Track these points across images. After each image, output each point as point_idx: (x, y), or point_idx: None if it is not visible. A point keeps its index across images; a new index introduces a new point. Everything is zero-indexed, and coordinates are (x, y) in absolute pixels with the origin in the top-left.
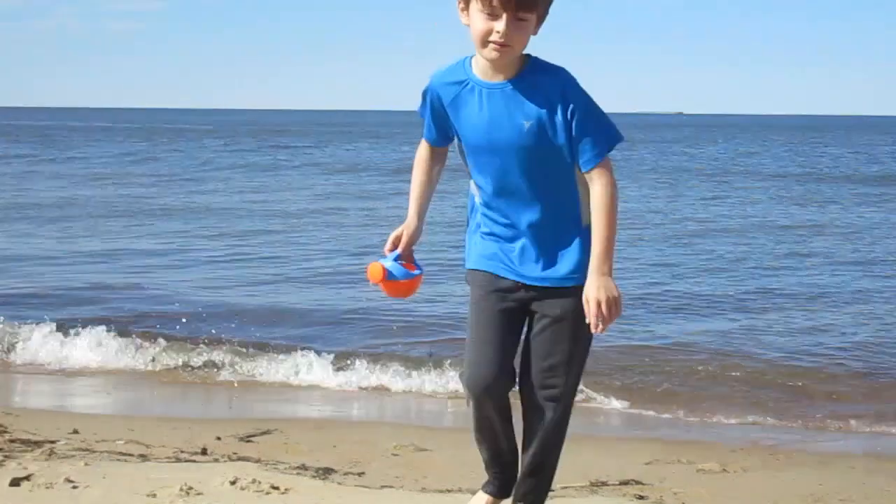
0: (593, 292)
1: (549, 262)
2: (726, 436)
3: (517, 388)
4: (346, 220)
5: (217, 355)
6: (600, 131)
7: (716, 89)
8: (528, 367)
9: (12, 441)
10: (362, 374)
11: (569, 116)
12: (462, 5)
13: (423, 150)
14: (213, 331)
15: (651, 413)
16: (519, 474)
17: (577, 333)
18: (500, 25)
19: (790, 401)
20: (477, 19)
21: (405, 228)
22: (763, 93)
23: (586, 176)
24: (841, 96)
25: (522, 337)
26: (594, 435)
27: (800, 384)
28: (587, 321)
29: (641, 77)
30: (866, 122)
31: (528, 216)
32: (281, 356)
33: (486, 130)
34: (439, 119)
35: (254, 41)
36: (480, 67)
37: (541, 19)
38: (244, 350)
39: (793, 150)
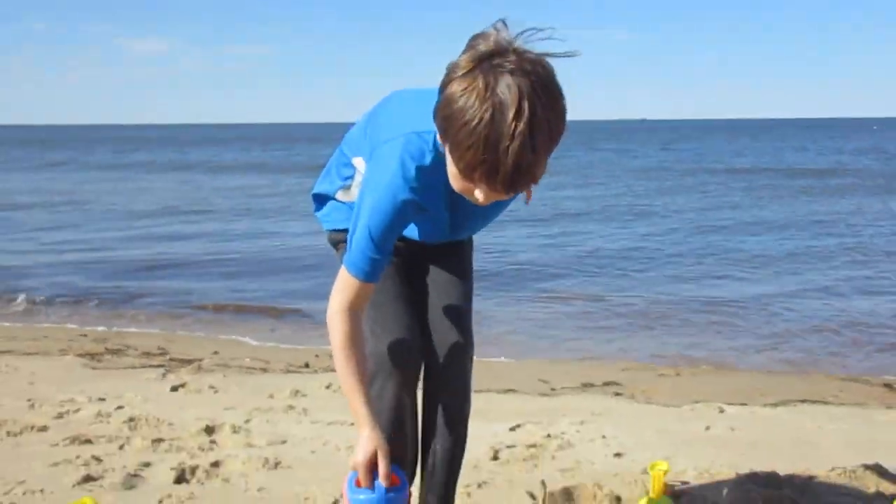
0: None
1: None
2: (683, 352)
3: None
4: None
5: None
6: None
7: (679, 96)
8: (430, 311)
9: (172, 360)
10: None
11: None
12: (441, 131)
13: (353, 314)
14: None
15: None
16: (432, 459)
17: (470, 267)
18: (480, 195)
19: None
20: (453, 173)
21: (374, 445)
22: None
23: None
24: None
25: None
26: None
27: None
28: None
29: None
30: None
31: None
32: None
33: (453, 223)
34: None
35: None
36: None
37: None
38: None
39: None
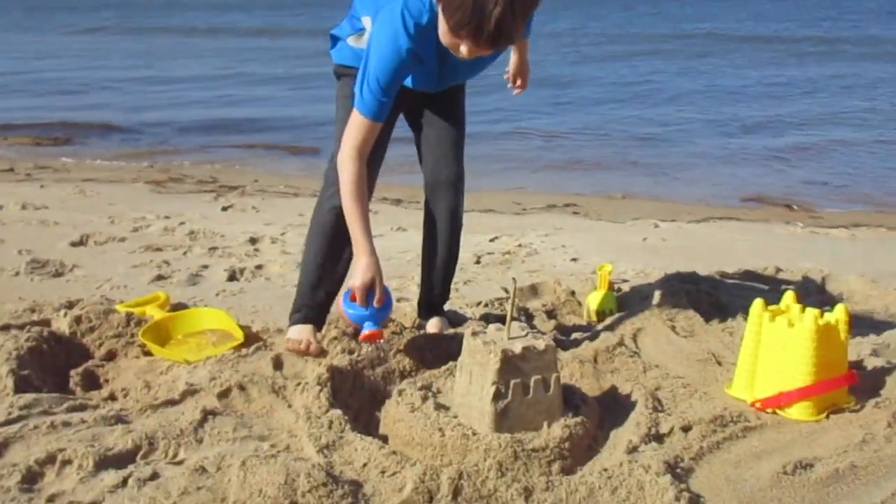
0: (527, 70)
1: None
2: (628, 182)
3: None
4: None
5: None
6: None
7: None
8: (431, 150)
9: (221, 186)
10: None
11: None
12: None
13: (362, 157)
14: None
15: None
16: (430, 264)
17: (463, 112)
18: (464, 50)
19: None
20: (444, 30)
21: (373, 273)
22: None
23: None
24: None
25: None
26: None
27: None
28: (516, 87)
29: None
30: None
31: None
32: None
33: (440, 75)
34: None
35: None
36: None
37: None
38: None
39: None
